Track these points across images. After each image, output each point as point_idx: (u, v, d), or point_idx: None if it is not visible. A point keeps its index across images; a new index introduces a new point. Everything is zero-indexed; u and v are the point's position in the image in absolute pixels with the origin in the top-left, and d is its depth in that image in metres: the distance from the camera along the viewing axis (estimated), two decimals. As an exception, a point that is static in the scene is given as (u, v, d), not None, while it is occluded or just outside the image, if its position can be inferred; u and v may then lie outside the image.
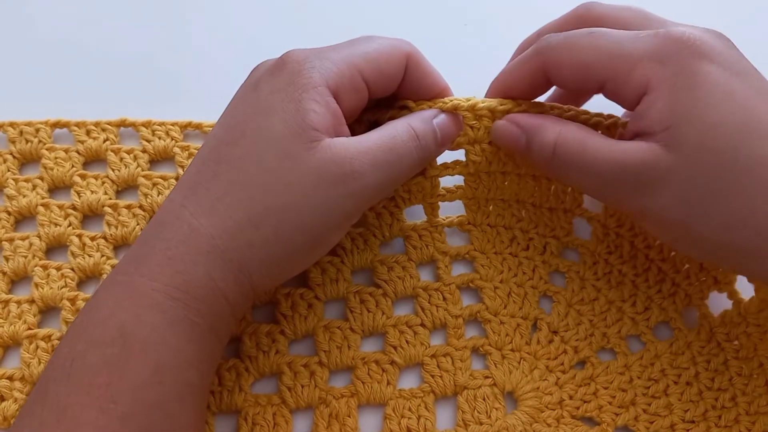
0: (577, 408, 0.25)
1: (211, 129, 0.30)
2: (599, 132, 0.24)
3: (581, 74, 0.23)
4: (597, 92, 0.24)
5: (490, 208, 0.28)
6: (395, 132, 0.24)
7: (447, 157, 0.27)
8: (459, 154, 0.28)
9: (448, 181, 0.28)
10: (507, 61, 0.28)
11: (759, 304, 0.26)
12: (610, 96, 0.23)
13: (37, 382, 0.20)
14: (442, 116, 0.25)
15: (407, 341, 0.25)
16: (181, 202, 0.21)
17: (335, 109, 0.23)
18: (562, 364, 0.25)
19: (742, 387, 0.25)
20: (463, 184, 0.28)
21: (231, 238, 0.21)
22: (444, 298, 0.26)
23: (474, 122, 0.27)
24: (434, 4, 0.35)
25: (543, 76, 0.24)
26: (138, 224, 0.28)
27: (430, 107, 0.25)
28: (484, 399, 0.25)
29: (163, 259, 0.20)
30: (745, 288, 0.26)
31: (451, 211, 0.28)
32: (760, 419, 0.25)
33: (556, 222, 0.28)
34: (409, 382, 0.25)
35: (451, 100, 0.26)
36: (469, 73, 0.31)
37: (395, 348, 0.25)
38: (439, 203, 0.28)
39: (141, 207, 0.29)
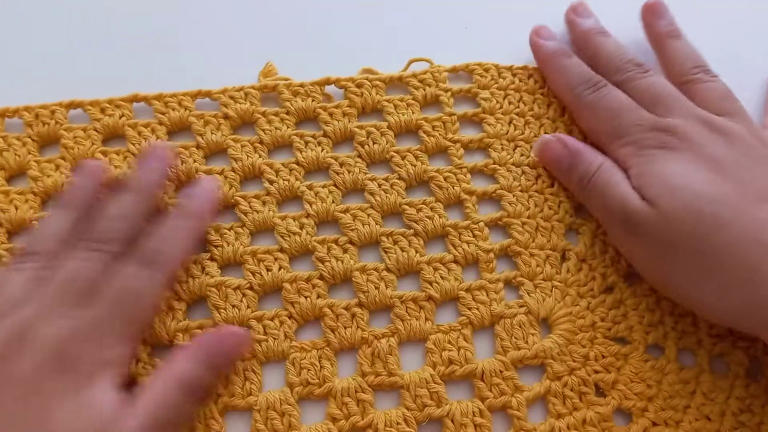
0: (609, 329, 0.31)
1: (220, 96, 0.37)
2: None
3: (589, 131, 0.35)
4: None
5: (514, 149, 0.35)
6: (164, 398, 0.27)
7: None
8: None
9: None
10: (507, 62, 0.38)
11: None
12: (604, 151, 0.33)
13: None
14: (225, 344, 0.30)
15: (442, 277, 0.32)
16: None
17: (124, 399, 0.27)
18: (592, 289, 0.32)
19: (766, 301, 0.32)
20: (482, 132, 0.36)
21: None
22: (474, 235, 0.33)
23: (482, 72, 0.37)
24: (434, 6, 0.42)
25: (565, 103, 0.36)
26: (165, 193, 0.34)
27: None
28: (520, 326, 0.31)
29: None
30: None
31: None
32: (783, 330, 0.31)
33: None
34: (446, 317, 0.32)
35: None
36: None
37: (431, 284, 0.32)
38: (463, 152, 0.35)
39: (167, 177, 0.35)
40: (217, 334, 0.30)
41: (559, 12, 0.40)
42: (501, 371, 0.30)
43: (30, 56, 0.40)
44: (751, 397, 0.30)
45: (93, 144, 0.36)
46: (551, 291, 0.32)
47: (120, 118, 0.37)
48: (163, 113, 0.37)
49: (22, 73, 0.40)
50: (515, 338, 0.31)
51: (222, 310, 0.31)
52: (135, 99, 0.37)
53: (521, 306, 0.31)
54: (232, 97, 0.37)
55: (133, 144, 0.36)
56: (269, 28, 0.41)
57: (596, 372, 0.30)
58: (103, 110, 0.37)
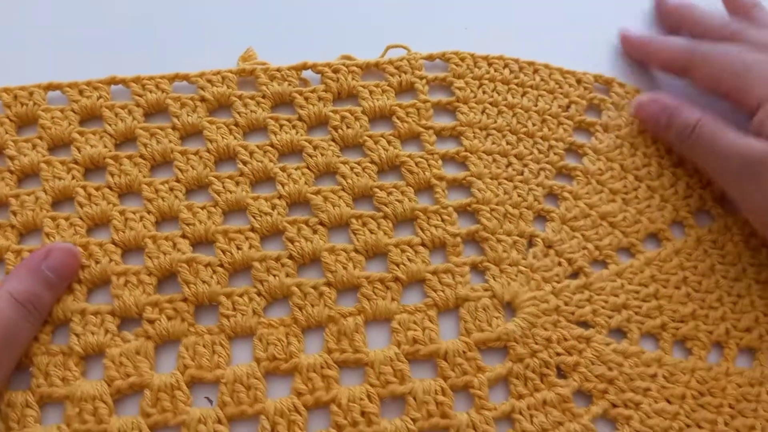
0: (572, 313, 0.32)
1: (198, 79, 0.38)
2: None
3: (713, 82, 0.36)
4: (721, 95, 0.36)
5: (486, 137, 0.36)
6: None
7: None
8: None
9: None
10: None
11: (745, 220, 0.34)
12: (733, 101, 0.35)
13: None
14: (52, 257, 0.31)
15: (409, 259, 0.33)
16: None
17: None
18: (558, 275, 0.33)
19: (728, 289, 0.33)
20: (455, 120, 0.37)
21: None
22: (442, 220, 0.34)
23: (458, 61, 0.38)
24: (435, 7, 0.43)
25: (684, 63, 0.37)
26: (140, 172, 0.35)
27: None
28: (484, 309, 0.32)
29: None
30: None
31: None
32: (744, 317, 0.33)
33: (551, 148, 0.36)
34: (412, 299, 0.33)
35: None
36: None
37: (398, 265, 0.33)
38: (435, 138, 0.36)
39: (142, 156, 0.36)
40: (45, 249, 0.32)
41: (558, 12, 0.42)
42: (464, 352, 0.31)
43: (11, 39, 0.41)
44: (712, 380, 0.31)
45: (70, 124, 0.37)
46: (516, 276, 0.33)
47: (98, 99, 0.38)
48: (140, 95, 0.38)
49: (3, 54, 0.41)
50: (479, 321, 0.32)
51: (192, 285, 0.32)
52: (113, 81, 0.39)
53: (486, 290, 0.33)
54: (209, 81, 0.38)
55: (110, 125, 0.37)
56: (255, 14, 0.42)
57: (558, 354, 0.31)
58: (81, 92, 0.38)
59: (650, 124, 0.36)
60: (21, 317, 0.29)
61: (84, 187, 0.35)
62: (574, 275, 0.33)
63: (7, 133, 0.37)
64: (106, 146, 0.36)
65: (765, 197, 0.31)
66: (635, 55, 0.40)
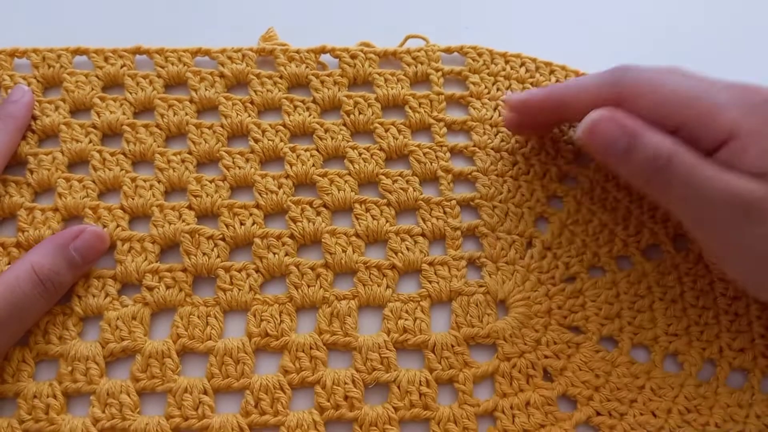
0: (565, 317, 0.31)
1: (219, 55, 0.37)
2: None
3: (660, 112, 0.26)
4: (669, 131, 0.26)
5: (495, 134, 0.34)
6: (16, 282, 0.28)
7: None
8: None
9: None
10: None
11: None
12: (685, 137, 0.26)
13: None
14: (82, 239, 0.30)
15: (407, 248, 0.31)
16: None
17: None
18: (553, 277, 0.31)
19: (726, 307, 0.31)
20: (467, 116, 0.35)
21: None
22: (444, 212, 0.32)
23: (475, 56, 0.36)
24: (435, 6, 0.41)
25: (613, 102, 0.27)
26: (155, 141, 0.34)
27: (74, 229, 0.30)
28: (476, 305, 0.31)
29: None
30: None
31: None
32: (739, 337, 0.30)
33: (558, 151, 0.34)
34: (407, 288, 0.31)
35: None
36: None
37: (396, 253, 0.31)
38: (445, 131, 0.35)
39: (158, 126, 0.35)
40: (76, 228, 0.31)
41: (558, 12, 0.40)
42: (453, 346, 0.30)
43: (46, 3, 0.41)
44: (700, 397, 0.30)
45: (93, 89, 0.36)
46: (512, 275, 0.31)
47: (121, 67, 0.37)
48: (162, 67, 0.37)
49: (39, 17, 0.40)
50: (470, 316, 0.30)
51: (192, 256, 0.31)
52: (138, 51, 0.38)
53: (481, 286, 0.31)
54: (229, 57, 0.37)
55: (131, 93, 0.36)
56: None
57: (546, 357, 0.30)
58: (106, 59, 0.37)
59: (602, 149, 0.27)
60: (38, 293, 0.28)
61: (99, 152, 0.34)
62: (571, 279, 0.32)
63: (33, 92, 0.36)
64: (124, 113, 0.35)
65: (761, 241, 0.25)
66: (543, 118, 0.32)
